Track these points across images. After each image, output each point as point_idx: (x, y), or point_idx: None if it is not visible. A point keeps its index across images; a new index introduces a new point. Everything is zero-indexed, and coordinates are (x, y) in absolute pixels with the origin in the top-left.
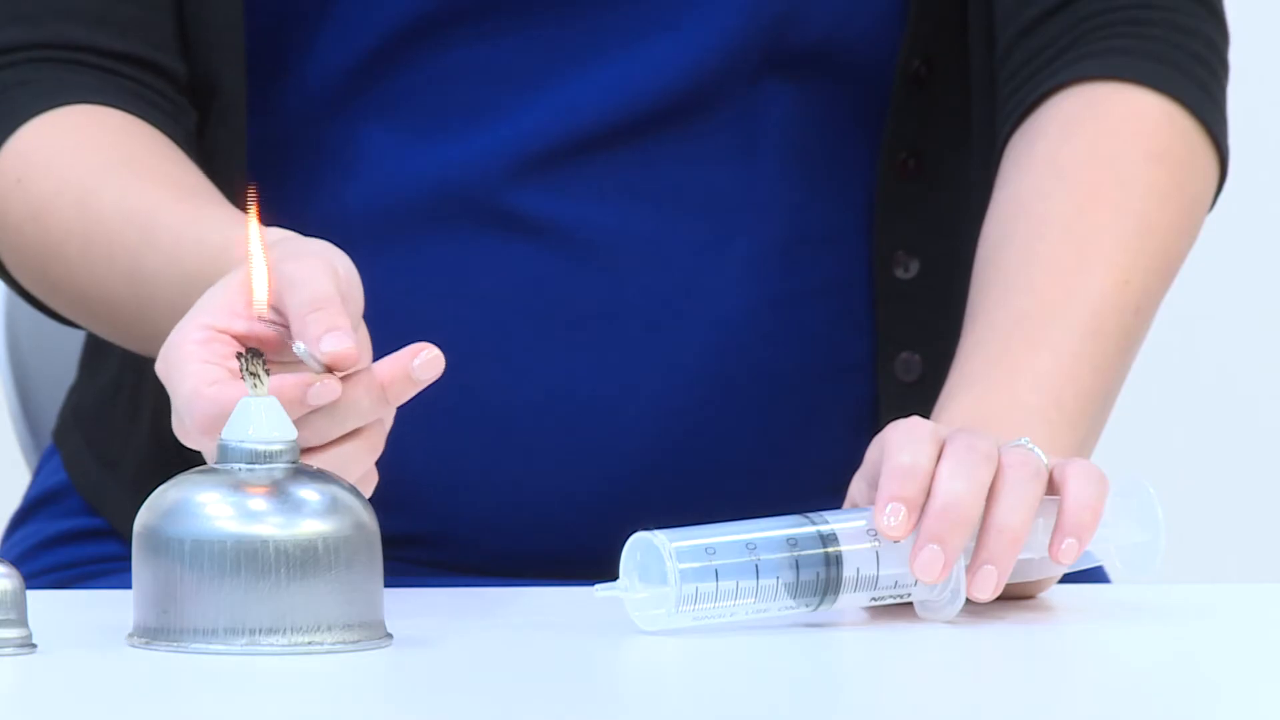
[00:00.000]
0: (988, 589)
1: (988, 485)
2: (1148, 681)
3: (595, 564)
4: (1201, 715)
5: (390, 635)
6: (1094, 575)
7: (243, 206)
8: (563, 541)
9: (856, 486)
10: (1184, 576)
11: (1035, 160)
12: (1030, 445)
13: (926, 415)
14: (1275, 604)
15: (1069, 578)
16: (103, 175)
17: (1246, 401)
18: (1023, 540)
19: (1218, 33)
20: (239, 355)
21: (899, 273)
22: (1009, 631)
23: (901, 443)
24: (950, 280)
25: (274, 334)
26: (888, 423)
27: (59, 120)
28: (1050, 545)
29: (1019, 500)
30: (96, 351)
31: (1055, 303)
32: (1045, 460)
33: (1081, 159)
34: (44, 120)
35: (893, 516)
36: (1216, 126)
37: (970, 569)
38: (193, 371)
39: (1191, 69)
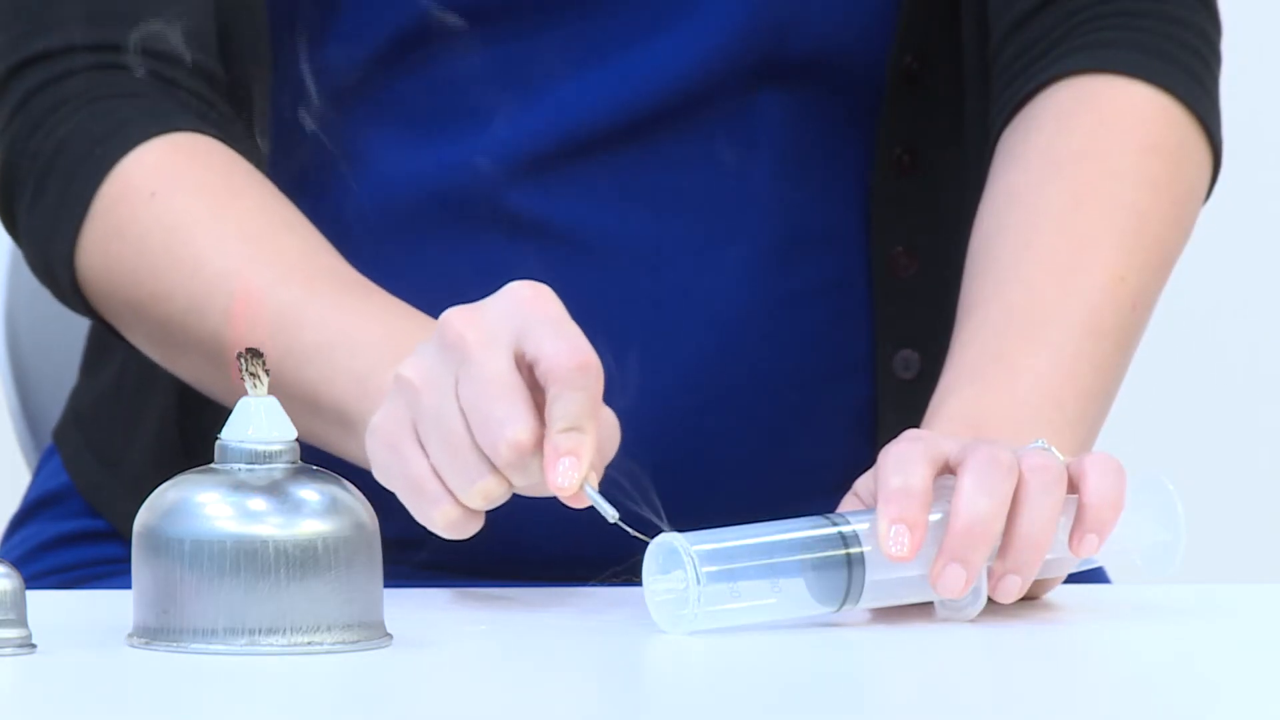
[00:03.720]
0: (1011, 595)
1: (1010, 498)
2: (1149, 681)
3: (595, 565)
4: (1202, 715)
5: (390, 635)
6: (1095, 576)
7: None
8: (562, 543)
9: (864, 484)
10: (1184, 576)
11: (1030, 153)
12: (1047, 446)
13: (924, 412)
14: (1275, 604)
15: (1070, 578)
16: (252, 250)
17: (1246, 402)
18: (1046, 549)
19: (1209, 23)
20: (239, 355)
21: (897, 270)
22: (1013, 631)
23: (892, 467)
24: (948, 276)
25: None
26: (887, 420)
27: (177, 148)
28: (1070, 540)
29: (1041, 511)
30: (98, 353)
31: (1052, 300)
32: (1062, 460)
33: (1075, 152)
34: (162, 145)
35: (898, 539)
36: (1209, 117)
37: (993, 575)
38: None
39: (1183, 60)
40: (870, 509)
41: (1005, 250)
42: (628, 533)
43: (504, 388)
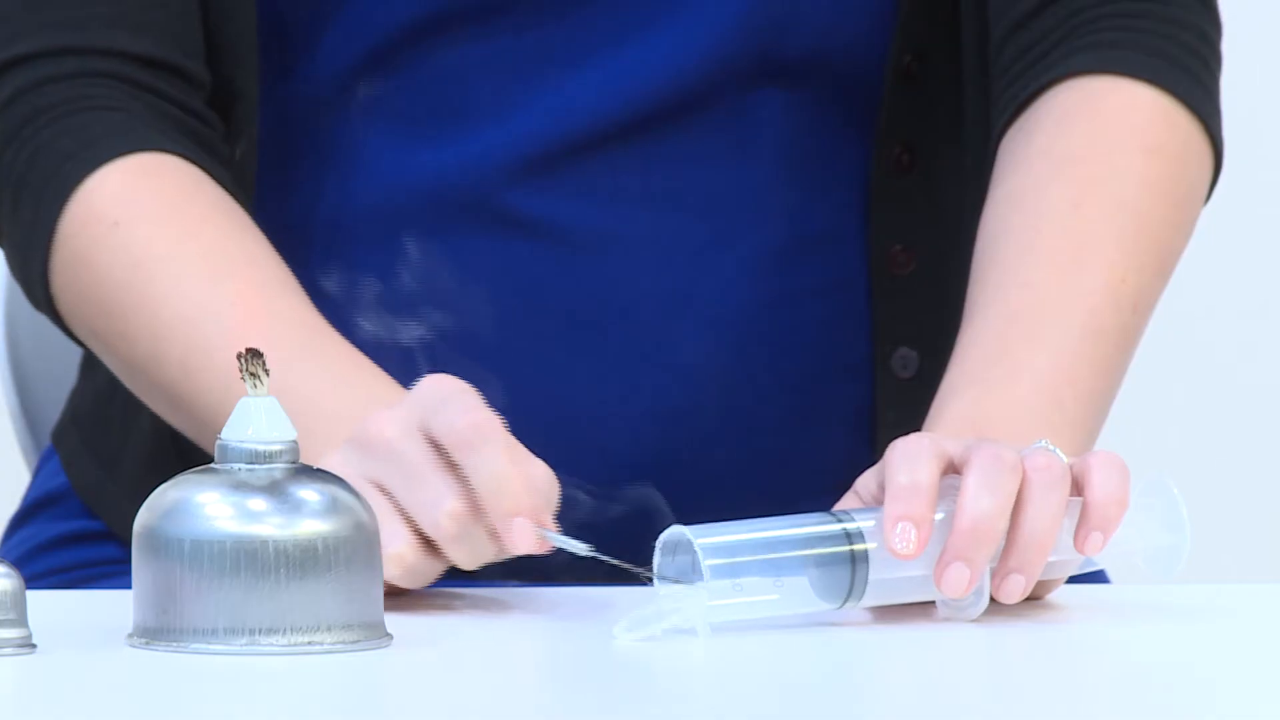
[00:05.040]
0: (1015, 595)
1: (1014, 497)
2: (1149, 681)
3: (594, 565)
4: (1202, 715)
5: (390, 635)
6: (1096, 577)
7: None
8: None
9: (864, 483)
10: (1186, 576)
11: (1032, 154)
12: (1050, 446)
13: (924, 411)
14: (1276, 604)
15: (1071, 579)
16: (210, 290)
17: (1245, 402)
18: (1049, 548)
19: (1209, 23)
20: (239, 355)
21: (896, 269)
22: (1014, 631)
23: (899, 463)
24: (947, 275)
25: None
26: (886, 420)
27: (144, 170)
28: (1075, 537)
29: (1044, 510)
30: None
31: (1053, 301)
32: (1065, 460)
33: (1077, 153)
34: (128, 166)
35: (904, 536)
36: (1210, 118)
37: (997, 574)
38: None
39: (1184, 61)
40: (872, 506)
41: (1008, 252)
42: (605, 562)
43: (428, 468)
